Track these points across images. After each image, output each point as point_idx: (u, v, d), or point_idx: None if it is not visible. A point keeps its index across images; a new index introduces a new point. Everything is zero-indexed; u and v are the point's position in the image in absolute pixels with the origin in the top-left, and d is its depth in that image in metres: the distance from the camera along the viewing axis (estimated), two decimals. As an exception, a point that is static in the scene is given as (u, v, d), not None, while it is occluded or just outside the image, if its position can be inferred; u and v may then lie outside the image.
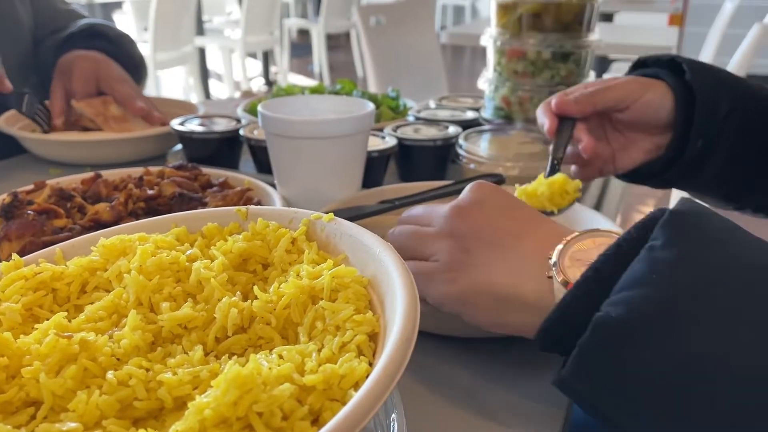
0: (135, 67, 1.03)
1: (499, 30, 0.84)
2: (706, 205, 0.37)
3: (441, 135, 0.81)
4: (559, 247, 0.39)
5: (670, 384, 0.30)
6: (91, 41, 0.99)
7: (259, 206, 0.44)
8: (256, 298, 0.35)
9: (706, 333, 0.30)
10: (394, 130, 0.84)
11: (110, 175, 0.70)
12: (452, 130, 0.83)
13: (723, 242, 0.34)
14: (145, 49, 3.80)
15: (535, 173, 0.71)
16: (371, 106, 0.65)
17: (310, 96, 0.71)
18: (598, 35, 0.85)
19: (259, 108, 0.64)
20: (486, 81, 0.88)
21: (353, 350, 0.30)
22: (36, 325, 0.33)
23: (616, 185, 0.77)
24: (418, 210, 0.49)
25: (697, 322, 0.31)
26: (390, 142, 0.80)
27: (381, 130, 0.84)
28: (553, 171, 0.61)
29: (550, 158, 0.62)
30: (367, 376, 0.28)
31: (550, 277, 0.39)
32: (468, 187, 0.47)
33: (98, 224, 0.58)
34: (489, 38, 0.85)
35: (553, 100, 0.63)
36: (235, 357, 0.32)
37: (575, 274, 0.37)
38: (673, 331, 0.31)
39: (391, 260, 0.34)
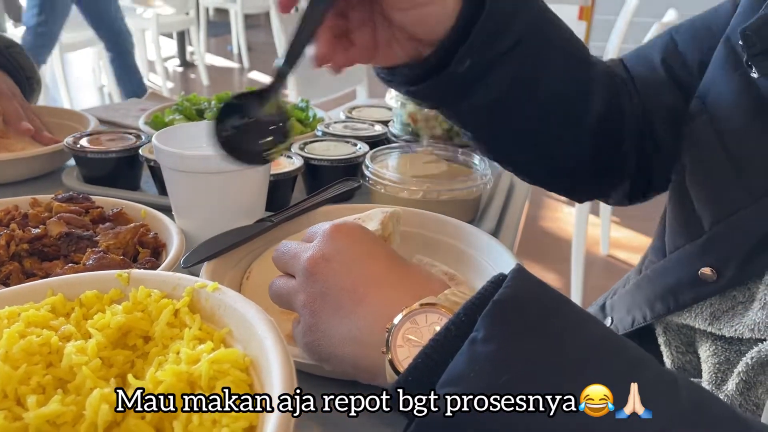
0: (27, 79, 0.96)
1: (404, 47, 0.84)
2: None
3: (348, 154, 0.81)
4: (395, 321, 0.38)
5: None
6: None
7: (142, 271, 0.42)
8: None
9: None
10: (302, 147, 0.83)
11: (-6, 205, 0.65)
12: (360, 148, 0.83)
13: (544, 331, 0.34)
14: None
15: (437, 197, 0.73)
16: (271, 136, 0.64)
17: (210, 122, 0.69)
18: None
19: (153, 140, 0.62)
20: (393, 97, 0.88)
21: (228, 449, 0.30)
22: None
23: (515, 209, 0.78)
24: (283, 254, 0.47)
25: (509, 423, 0.31)
26: (296, 162, 0.78)
27: (288, 147, 0.83)
28: (289, 63, 0.48)
29: (288, 46, 0.49)
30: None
31: (384, 352, 0.38)
32: (323, 234, 0.45)
33: (-25, 272, 0.54)
34: (395, 54, 0.85)
35: None
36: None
37: (405, 354, 0.37)
38: None
39: (272, 344, 0.34)
